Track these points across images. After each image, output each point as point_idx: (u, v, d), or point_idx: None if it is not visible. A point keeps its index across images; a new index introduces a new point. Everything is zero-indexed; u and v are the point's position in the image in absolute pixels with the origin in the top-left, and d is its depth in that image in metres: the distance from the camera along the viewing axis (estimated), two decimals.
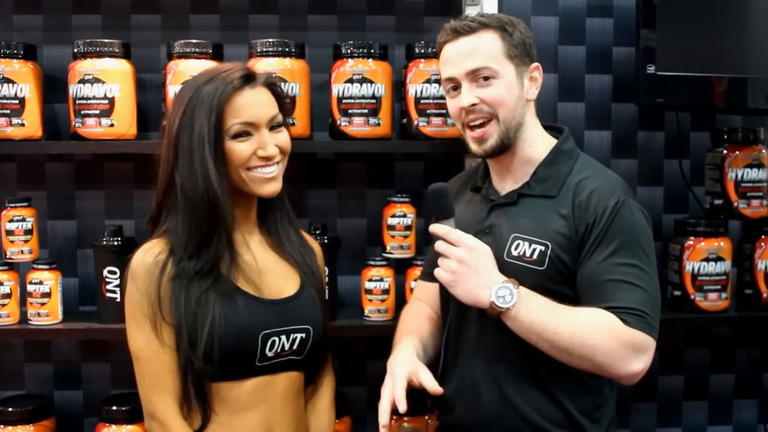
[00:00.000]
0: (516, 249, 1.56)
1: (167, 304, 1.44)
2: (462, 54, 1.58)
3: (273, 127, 1.52)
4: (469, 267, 1.48)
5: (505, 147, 1.59)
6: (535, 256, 1.54)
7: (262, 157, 1.49)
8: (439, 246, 1.52)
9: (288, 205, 1.63)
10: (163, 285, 1.44)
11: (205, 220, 1.46)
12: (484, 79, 1.56)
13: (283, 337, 1.52)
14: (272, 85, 1.55)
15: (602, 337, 1.43)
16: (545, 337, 1.45)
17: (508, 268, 1.53)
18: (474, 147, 1.61)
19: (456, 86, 1.61)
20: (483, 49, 1.56)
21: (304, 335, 1.55)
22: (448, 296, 1.56)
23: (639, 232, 1.52)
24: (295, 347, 1.54)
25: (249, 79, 1.50)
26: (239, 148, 1.48)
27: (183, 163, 1.46)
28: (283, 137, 1.54)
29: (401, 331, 1.71)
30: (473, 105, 1.57)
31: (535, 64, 1.63)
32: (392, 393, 1.46)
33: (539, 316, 1.45)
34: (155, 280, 1.45)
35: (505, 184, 1.65)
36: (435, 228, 1.52)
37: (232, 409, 1.48)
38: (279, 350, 1.51)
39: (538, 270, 1.53)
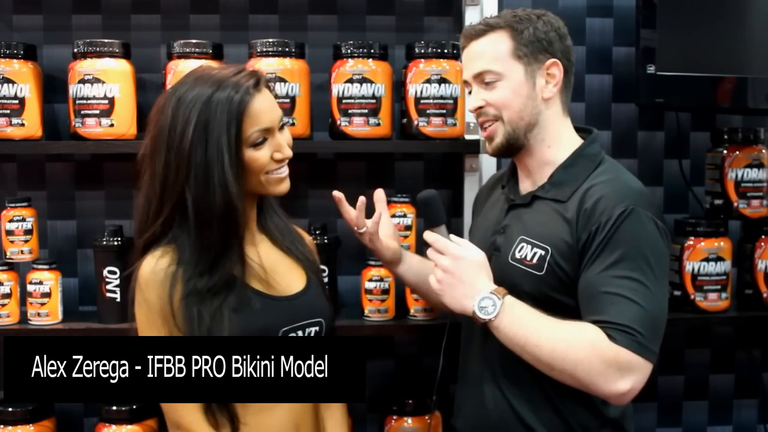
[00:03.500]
0: (519, 252, 1.54)
1: (180, 318, 1.40)
2: (470, 58, 1.60)
3: (281, 127, 1.51)
4: (454, 276, 1.46)
5: (514, 147, 1.58)
6: (534, 260, 1.52)
7: (278, 159, 1.48)
8: (429, 254, 1.52)
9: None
10: (175, 300, 1.40)
11: (220, 236, 1.42)
12: (488, 83, 1.57)
13: (300, 333, 1.51)
14: (268, 84, 1.53)
15: (583, 352, 1.38)
16: (527, 350, 1.42)
17: (510, 270, 1.52)
18: (486, 145, 1.63)
19: (471, 89, 1.62)
20: (488, 52, 1.56)
21: (317, 328, 1.55)
22: None
23: (646, 244, 1.43)
24: None
25: (258, 83, 1.47)
26: (260, 156, 1.46)
27: (197, 179, 1.41)
28: (289, 135, 1.54)
29: None
30: (479, 108, 1.58)
31: (552, 60, 1.56)
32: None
33: (521, 328, 1.42)
34: (167, 292, 1.41)
35: (526, 185, 1.64)
36: (425, 236, 1.52)
37: (258, 410, 1.46)
38: None
39: (537, 275, 1.51)
